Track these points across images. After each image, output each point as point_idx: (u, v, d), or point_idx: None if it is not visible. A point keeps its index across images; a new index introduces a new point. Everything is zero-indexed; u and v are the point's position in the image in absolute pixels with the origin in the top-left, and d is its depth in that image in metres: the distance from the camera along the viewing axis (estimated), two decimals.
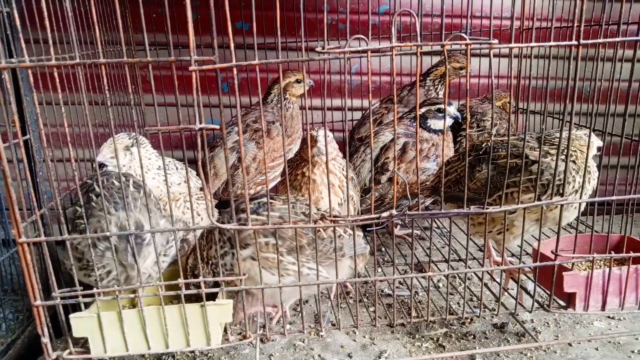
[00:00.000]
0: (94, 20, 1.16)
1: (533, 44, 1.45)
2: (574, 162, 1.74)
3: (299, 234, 1.53)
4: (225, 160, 1.35)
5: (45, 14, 1.15)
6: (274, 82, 2.70)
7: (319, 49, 1.26)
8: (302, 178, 1.93)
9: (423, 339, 1.88)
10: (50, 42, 1.20)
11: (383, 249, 2.68)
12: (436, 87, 2.86)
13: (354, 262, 1.62)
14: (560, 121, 1.63)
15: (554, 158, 1.66)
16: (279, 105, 2.64)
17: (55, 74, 1.21)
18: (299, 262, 1.51)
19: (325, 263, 1.65)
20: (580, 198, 1.69)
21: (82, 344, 1.57)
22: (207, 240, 1.65)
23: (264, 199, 1.61)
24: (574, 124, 1.61)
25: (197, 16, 1.10)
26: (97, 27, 1.19)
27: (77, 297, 1.45)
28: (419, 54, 1.32)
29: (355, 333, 1.93)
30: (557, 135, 1.82)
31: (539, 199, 1.68)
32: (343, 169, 1.96)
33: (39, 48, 1.48)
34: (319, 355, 1.80)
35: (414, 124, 2.50)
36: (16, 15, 1.16)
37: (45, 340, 1.44)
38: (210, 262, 1.62)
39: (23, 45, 1.20)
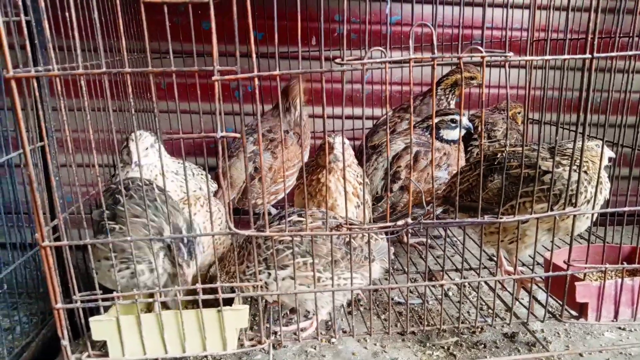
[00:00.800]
0: (121, 31, 1.20)
1: (547, 56, 1.47)
2: (585, 172, 1.76)
3: (328, 252, 1.59)
4: (245, 169, 1.37)
5: (75, 23, 1.19)
6: (286, 93, 2.72)
7: (338, 60, 1.29)
8: (317, 184, 1.95)
9: (434, 348, 1.89)
10: (79, 50, 1.23)
11: (394, 257, 2.69)
12: (447, 96, 2.88)
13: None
14: (573, 132, 1.65)
15: (566, 168, 1.67)
16: (289, 114, 2.67)
17: (83, 82, 1.24)
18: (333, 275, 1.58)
19: (359, 270, 1.71)
20: (593, 208, 1.70)
21: (100, 347, 1.59)
22: (238, 255, 1.69)
23: (294, 217, 1.69)
24: (587, 135, 1.63)
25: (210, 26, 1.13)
26: (123, 37, 1.23)
27: (96, 300, 1.47)
28: (435, 66, 1.35)
29: (366, 341, 1.94)
30: (569, 146, 1.84)
31: (552, 209, 1.70)
32: (357, 176, 1.98)
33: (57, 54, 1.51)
34: None
35: (426, 133, 2.53)
36: (46, 25, 1.20)
37: (65, 342, 1.46)
38: (239, 277, 1.66)
39: (52, 54, 1.24)
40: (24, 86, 1.31)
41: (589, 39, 1.48)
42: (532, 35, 2.73)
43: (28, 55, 1.29)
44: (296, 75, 1.28)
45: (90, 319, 1.49)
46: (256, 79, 1.27)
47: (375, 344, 1.92)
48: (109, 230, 1.44)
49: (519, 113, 3.01)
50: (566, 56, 1.51)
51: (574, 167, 1.67)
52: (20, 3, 1.21)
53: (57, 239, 1.47)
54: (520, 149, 1.80)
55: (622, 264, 1.86)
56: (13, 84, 1.21)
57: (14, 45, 1.30)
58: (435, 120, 2.45)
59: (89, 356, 1.51)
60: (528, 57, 1.41)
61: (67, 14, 1.26)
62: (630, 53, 1.48)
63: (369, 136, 2.92)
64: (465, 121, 2.43)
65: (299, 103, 2.67)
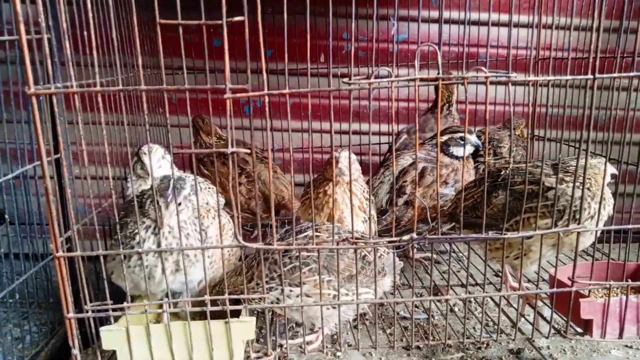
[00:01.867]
0: (137, 49, 1.25)
1: (550, 77, 1.51)
2: (588, 189, 1.78)
3: (348, 264, 1.65)
4: (270, 183, 1.40)
5: (94, 43, 1.24)
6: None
7: (345, 79, 1.33)
8: (323, 197, 1.99)
9: None
10: (97, 68, 1.28)
11: (400, 272, 2.71)
12: (451, 113, 2.92)
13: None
14: (576, 149, 1.67)
15: (570, 185, 1.69)
16: None
17: (99, 98, 1.29)
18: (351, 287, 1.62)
19: (371, 285, 1.73)
20: (597, 224, 1.72)
21: (109, 357, 1.62)
22: (248, 269, 1.73)
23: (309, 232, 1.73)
24: (590, 153, 1.66)
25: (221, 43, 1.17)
26: (139, 56, 1.28)
27: (107, 310, 1.50)
28: (440, 86, 1.39)
29: (372, 355, 1.95)
30: (572, 163, 1.86)
31: (556, 224, 1.71)
32: (364, 191, 2.01)
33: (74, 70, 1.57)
34: None
35: (436, 149, 2.56)
36: (67, 44, 1.25)
37: (76, 351, 1.49)
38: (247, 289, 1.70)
39: (71, 72, 1.29)
40: (42, 102, 1.36)
41: (591, 59, 1.52)
42: (538, 54, 2.77)
43: (48, 72, 1.35)
44: (305, 93, 1.32)
45: (101, 329, 1.52)
46: (267, 97, 1.31)
47: (380, 358, 1.93)
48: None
49: (525, 130, 3.04)
50: (569, 77, 1.54)
51: (577, 184, 1.69)
52: (42, 22, 1.26)
53: (70, 249, 1.51)
54: (524, 165, 1.83)
55: (627, 281, 1.87)
56: (34, 100, 1.26)
57: (34, 61, 1.35)
58: (445, 137, 2.49)
59: None
60: (532, 78, 1.44)
61: (85, 33, 1.32)
62: (631, 74, 1.51)
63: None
64: (474, 138, 2.46)
65: None
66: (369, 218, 1.74)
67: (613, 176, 1.90)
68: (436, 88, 2.64)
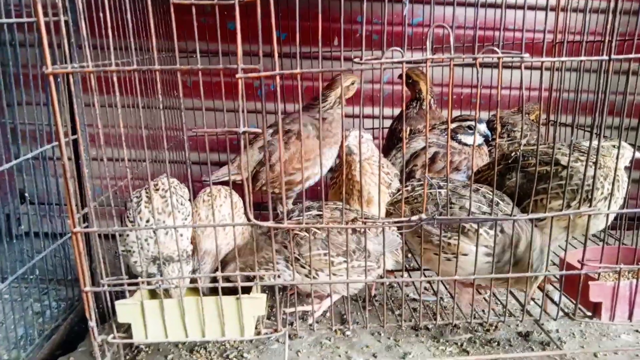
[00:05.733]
0: (152, 31, 1.27)
1: (564, 58, 1.49)
2: (601, 168, 1.77)
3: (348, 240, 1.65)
4: (280, 158, 1.43)
5: (109, 24, 1.27)
6: (327, 87, 2.72)
7: (356, 59, 1.33)
8: (348, 182, 2.02)
9: (447, 344, 1.92)
10: (112, 49, 1.31)
11: (409, 255, 2.72)
12: (423, 109, 2.87)
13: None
14: (590, 133, 1.66)
15: (584, 164, 1.69)
16: (314, 108, 2.69)
17: (115, 79, 1.32)
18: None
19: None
20: (610, 206, 1.71)
21: (125, 330, 1.67)
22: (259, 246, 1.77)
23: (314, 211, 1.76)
24: (604, 136, 1.64)
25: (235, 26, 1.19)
26: (154, 37, 1.30)
27: (122, 284, 1.55)
28: (451, 67, 1.39)
29: (380, 334, 1.98)
30: (587, 144, 1.85)
31: (568, 205, 1.71)
32: (382, 166, 2.02)
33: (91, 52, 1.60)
34: (345, 353, 1.86)
35: (445, 135, 2.55)
36: (83, 25, 1.28)
37: (92, 324, 1.54)
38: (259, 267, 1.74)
39: (87, 52, 1.32)
40: (60, 82, 1.39)
41: (607, 41, 1.50)
42: (555, 36, 2.73)
43: (65, 53, 1.38)
44: (317, 74, 1.33)
45: (116, 302, 1.58)
46: (278, 77, 1.33)
47: (389, 338, 1.96)
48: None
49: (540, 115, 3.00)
50: (583, 57, 1.53)
51: (590, 163, 1.68)
52: (59, 4, 1.29)
53: (87, 228, 1.55)
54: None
55: (638, 265, 1.86)
56: (51, 79, 1.29)
57: (52, 43, 1.38)
58: (454, 125, 2.48)
59: (114, 337, 1.59)
60: (544, 59, 1.43)
61: (101, 14, 1.34)
62: None
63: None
64: (483, 128, 2.45)
65: (332, 97, 2.66)
66: (379, 198, 1.76)
67: (630, 162, 1.88)
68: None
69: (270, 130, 2.61)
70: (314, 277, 1.71)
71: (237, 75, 1.29)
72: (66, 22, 1.64)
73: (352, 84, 2.70)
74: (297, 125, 2.59)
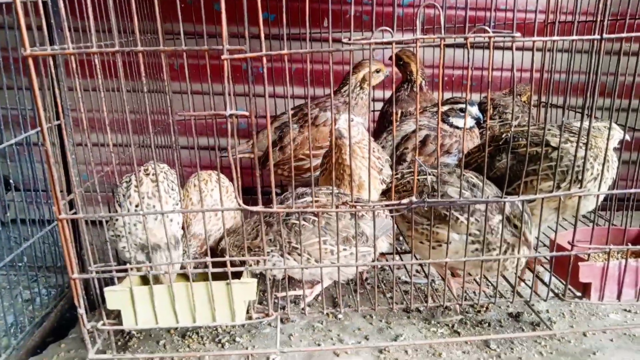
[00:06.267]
0: (133, 11, 1.23)
1: (555, 37, 1.47)
2: (591, 149, 1.76)
3: (346, 225, 1.70)
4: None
5: (90, 6, 1.23)
6: (349, 72, 2.68)
7: (344, 40, 1.31)
8: (338, 166, 2.00)
9: (438, 325, 1.93)
10: (93, 30, 1.27)
11: (401, 238, 2.73)
12: (414, 91, 2.85)
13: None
14: (581, 114, 1.65)
15: (574, 144, 1.68)
16: (353, 94, 2.65)
17: (97, 61, 1.28)
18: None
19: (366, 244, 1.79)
20: (600, 187, 1.71)
21: (115, 317, 1.66)
22: (252, 228, 1.78)
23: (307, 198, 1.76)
24: (595, 117, 1.63)
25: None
26: (135, 18, 1.26)
27: (110, 271, 1.54)
28: (442, 47, 1.36)
29: (372, 317, 1.99)
30: (577, 124, 1.84)
31: (559, 187, 1.71)
32: (373, 151, 2.01)
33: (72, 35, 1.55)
34: (338, 336, 1.87)
35: (437, 117, 2.53)
36: (62, 5, 1.24)
37: (81, 311, 1.53)
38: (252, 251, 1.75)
39: (67, 33, 1.28)
40: (40, 66, 1.35)
41: (599, 20, 1.48)
42: (547, 17, 2.70)
43: (44, 35, 1.33)
44: (306, 54, 1.30)
45: (105, 289, 1.56)
46: (264, 58, 1.30)
47: (380, 320, 1.97)
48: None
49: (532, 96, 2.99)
50: (575, 37, 1.51)
51: (580, 144, 1.68)
52: None
53: (74, 214, 1.53)
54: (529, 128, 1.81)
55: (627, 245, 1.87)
56: (30, 61, 1.25)
57: (31, 25, 1.34)
58: (445, 108, 2.46)
59: (104, 324, 1.58)
60: (535, 38, 1.41)
61: None
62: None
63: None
64: (475, 111, 2.43)
65: (352, 81, 2.61)
66: (369, 182, 1.75)
67: (620, 142, 1.87)
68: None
69: (292, 112, 2.59)
70: (307, 260, 1.71)
71: (222, 57, 1.26)
72: (44, 3, 1.60)
73: (378, 71, 2.66)
74: (316, 110, 2.57)
